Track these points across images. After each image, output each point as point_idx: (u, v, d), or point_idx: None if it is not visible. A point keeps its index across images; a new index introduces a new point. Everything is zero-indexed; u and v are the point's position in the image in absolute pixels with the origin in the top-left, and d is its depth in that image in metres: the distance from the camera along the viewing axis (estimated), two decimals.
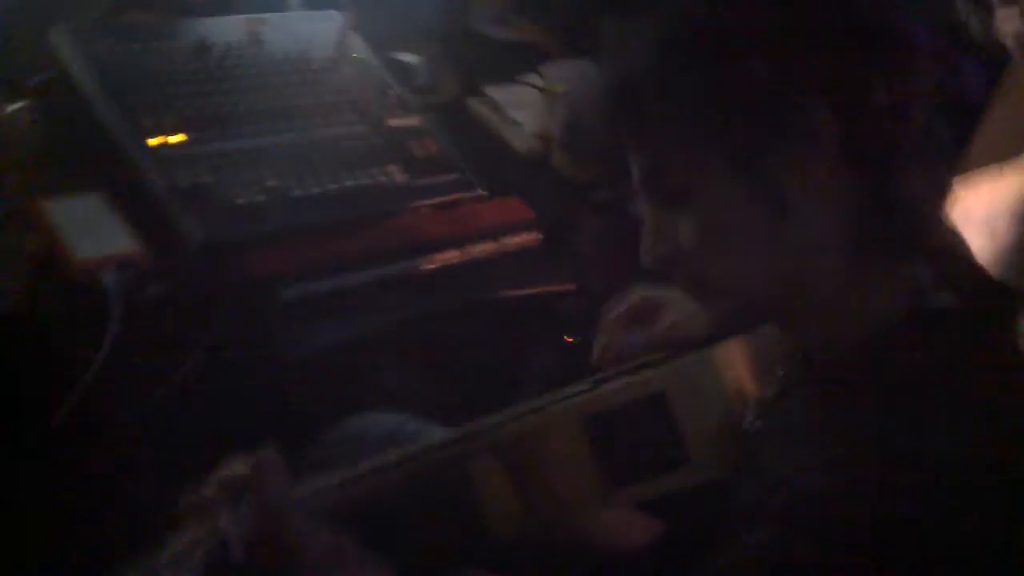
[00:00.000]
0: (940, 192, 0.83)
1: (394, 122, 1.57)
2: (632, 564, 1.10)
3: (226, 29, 1.58)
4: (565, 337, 1.57)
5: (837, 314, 0.84)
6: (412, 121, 1.59)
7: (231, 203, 1.32)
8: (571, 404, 0.97)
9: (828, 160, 0.77)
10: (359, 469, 0.90)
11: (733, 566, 0.77)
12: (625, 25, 0.81)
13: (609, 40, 0.84)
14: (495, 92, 1.79)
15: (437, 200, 1.50)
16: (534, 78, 1.82)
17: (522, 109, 1.76)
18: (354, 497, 0.90)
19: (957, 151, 0.97)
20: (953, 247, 0.85)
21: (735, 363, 1.01)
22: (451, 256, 1.44)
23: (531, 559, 1.08)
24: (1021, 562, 0.73)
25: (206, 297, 1.20)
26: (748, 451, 0.94)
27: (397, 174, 1.49)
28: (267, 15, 1.63)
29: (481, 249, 1.47)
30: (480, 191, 1.54)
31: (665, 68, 0.79)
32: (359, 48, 1.68)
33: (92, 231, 1.17)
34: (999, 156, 1.28)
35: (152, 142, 1.35)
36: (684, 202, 0.81)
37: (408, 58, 1.76)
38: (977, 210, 1.21)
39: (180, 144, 1.37)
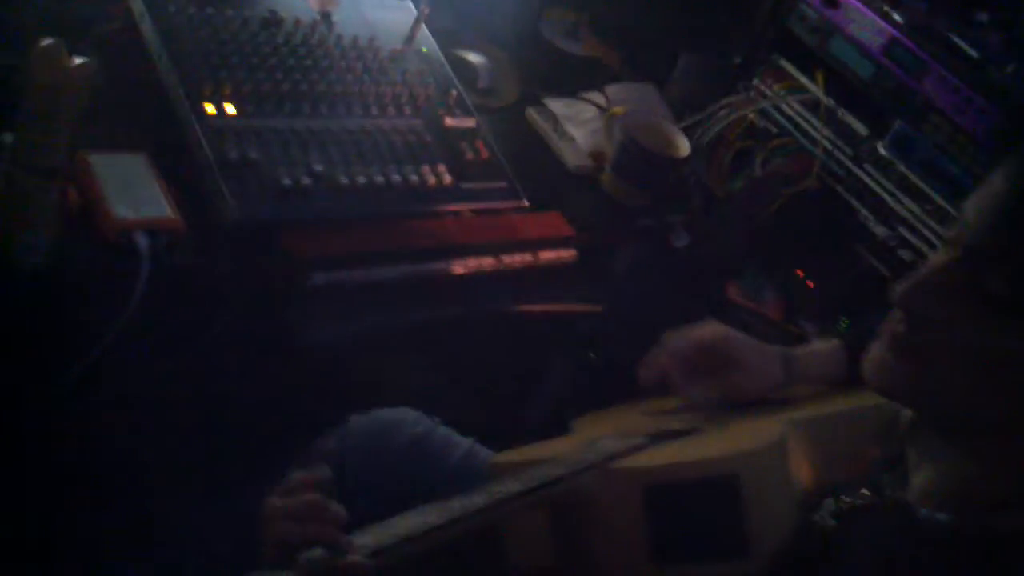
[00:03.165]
0: None
1: (450, 121, 1.57)
2: None
3: (299, 5, 1.58)
4: (589, 354, 1.57)
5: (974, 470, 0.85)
6: (468, 123, 1.59)
7: (275, 182, 1.31)
8: (634, 469, 0.94)
9: None
10: (412, 526, 0.84)
11: None
12: None
13: None
14: (554, 104, 1.78)
15: (480, 205, 1.50)
16: (595, 96, 1.81)
17: (579, 125, 1.75)
18: (405, 556, 0.86)
19: None
20: None
21: (804, 455, 1.00)
22: (485, 263, 1.44)
23: None
24: None
25: (235, 273, 1.21)
26: (817, 546, 0.92)
27: (445, 174, 1.48)
28: None
29: (516, 259, 1.47)
30: (524, 202, 1.54)
31: None
32: (428, 42, 1.68)
33: (133, 192, 1.17)
34: None
35: (207, 109, 1.35)
36: (1001, 310, 0.79)
37: (473, 58, 1.75)
38: None
39: (234, 116, 1.37)
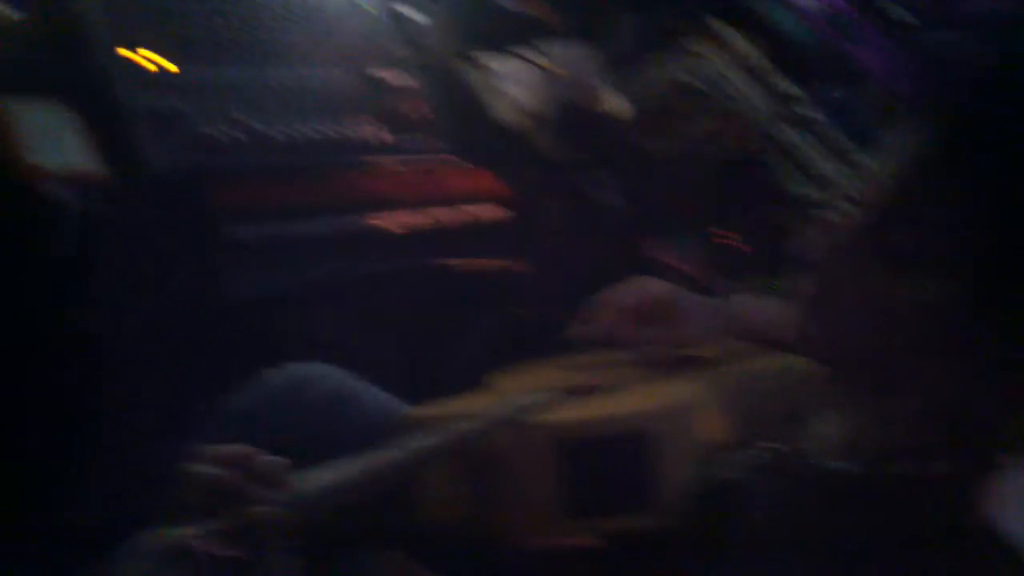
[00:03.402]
0: None
1: (384, 75, 1.56)
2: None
3: None
4: (513, 309, 1.57)
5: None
6: (402, 76, 1.58)
7: (201, 133, 1.30)
8: (546, 424, 0.95)
9: None
10: (327, 480, 0.86)
11: None
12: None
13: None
14: (490, 60, 1.77)
15: (411, 160, 1.49)
16: (532, 53, 1.80)
17: (514, 82, 1.74)
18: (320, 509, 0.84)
19: None
20: None
21: (717, 412, 1.01)
22: (414, 218, 1.44)
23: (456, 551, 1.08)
24: None
25: (158, 225, 1.19)
26: (726, 500, 0.93)
27: (376, 128, 1.48)
28: None
29: (445, 216, 1.47)
30: (456, 157, 1.53)
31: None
32: None
33: (52, 140, 1.15)
34: None
35: (131, 56, 1.32)
36: (905, 266, 0.78)
37: (409, 11, 1.73)
38: None
39: (162, 64, 1.34)
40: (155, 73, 1.33)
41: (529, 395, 1.03)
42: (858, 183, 1.53)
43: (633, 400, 1.02)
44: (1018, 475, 0.86)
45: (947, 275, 0.76)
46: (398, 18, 1.70)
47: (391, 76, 1.56)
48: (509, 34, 1.84)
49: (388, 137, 1.49)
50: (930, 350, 0.80)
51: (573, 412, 0.99)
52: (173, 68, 1.35)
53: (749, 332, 1.22)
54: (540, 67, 1.76)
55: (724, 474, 0.98)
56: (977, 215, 0.74)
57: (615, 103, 1.67)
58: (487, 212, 1.52)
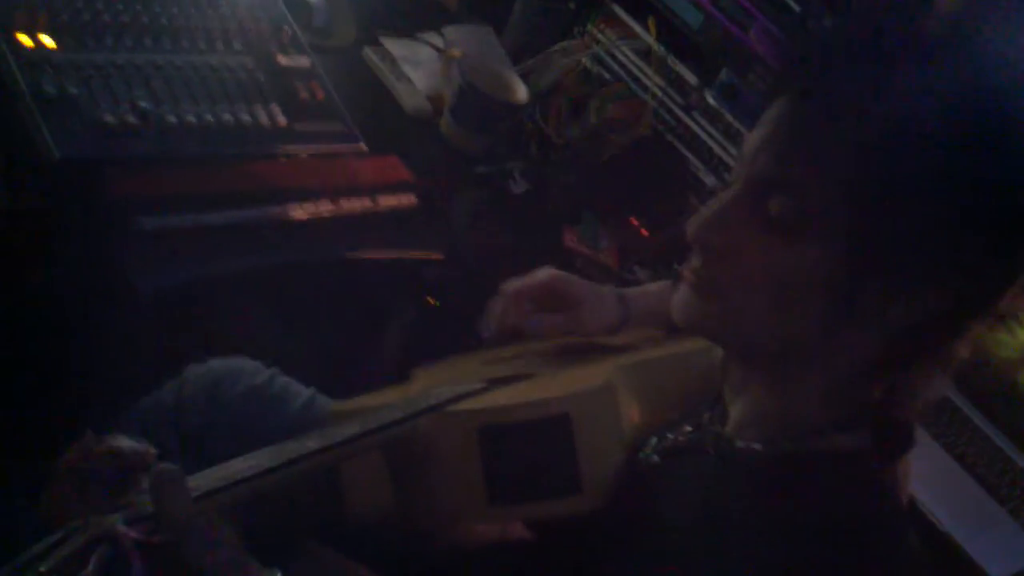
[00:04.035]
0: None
1: (284, 60, 1.52)
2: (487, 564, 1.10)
3: None
4: (428, 299, 1.56)
5: (788, 396, 0.87)
6: (302, 62, 1.55)
7: (98, 120, 1.25)
8: (468, 412, 0.95)
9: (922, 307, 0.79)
10: (245, 468, 0.82)
11: None
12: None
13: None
14: (392, 45, 1.75)
15: (315, 148, 1.47)
16: (434, 37, 1.79)
17: (417, 67, 1.73)
18: (239, 497, 0.82)
19: None
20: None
21: (634, 397, 1.01)
22: (322, 208, 1.41)
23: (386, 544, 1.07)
24: None
25: (56, 215, 1.14)
26: (639, 482, 0.95)
27: (278, 115, 1.44)
28: None
29: (354, 204, 1.45)
30: (361, 145, 1.51)
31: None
32: None
33: None
34: None
35: (22, 40, 1.27)
36: (784, 233, 0.81)
37: None
38: None
39: (52, 48, 1.29)
40: (48, 56, 1.27)
41: (451, 386, 1.02)
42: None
43: (553, 386, 1.02)
44: (927, 448, 0.89)
45: (825, 240, 0.79)
46: (299, 1, 1.66)
47: (294, 61, 1.53)
48: (412, 17, 1.82)
49: (294, 124, 1.45)
50: (821, 321, 0.82)
51: (493, 399, 0.99)
52: (66, 52, 1.29)
53: (656, 317, 1.23)
54: (442, 51, 1.75)
55: (642, 457, 0.99)
56: (846, 180, 0.77)
57: (519, 89, 1.67)
58: (400, 201, 1.50)
